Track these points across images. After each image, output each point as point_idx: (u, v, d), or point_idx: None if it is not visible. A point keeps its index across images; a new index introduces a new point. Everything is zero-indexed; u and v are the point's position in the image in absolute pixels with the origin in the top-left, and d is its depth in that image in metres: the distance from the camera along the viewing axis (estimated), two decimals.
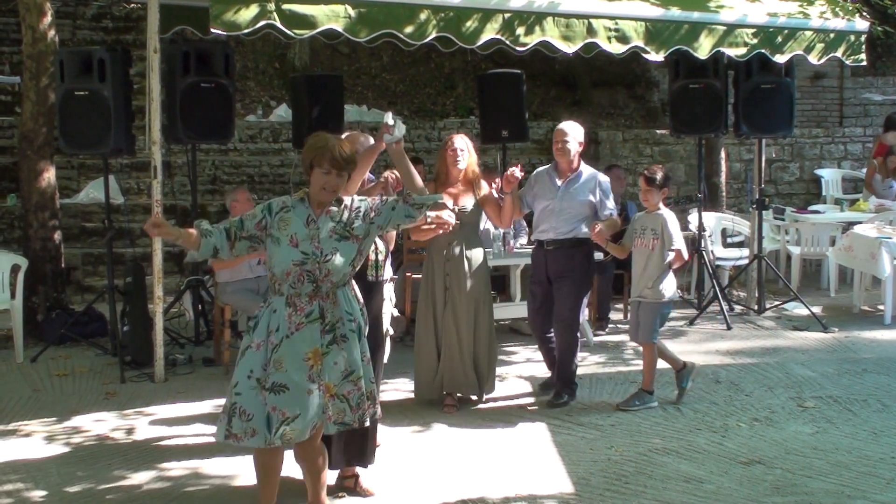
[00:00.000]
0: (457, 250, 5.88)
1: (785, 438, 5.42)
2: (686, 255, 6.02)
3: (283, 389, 3.89)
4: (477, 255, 5.95)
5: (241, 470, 4.87)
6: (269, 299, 4.03)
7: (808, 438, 5.43)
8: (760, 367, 6.95)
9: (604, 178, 6.21)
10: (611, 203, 6.18)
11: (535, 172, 6.35)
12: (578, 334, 6.16)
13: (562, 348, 6.11)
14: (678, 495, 4.62)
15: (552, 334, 6.19)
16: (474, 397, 6.09)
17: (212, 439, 5.35)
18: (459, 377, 5.94)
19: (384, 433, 5.32)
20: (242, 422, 3.90)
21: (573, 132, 6.08)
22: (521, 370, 6.91)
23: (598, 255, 7.22)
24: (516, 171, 5.84)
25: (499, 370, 6.47)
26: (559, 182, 6.10)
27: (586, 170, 6.18)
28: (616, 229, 6.10)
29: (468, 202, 5.92)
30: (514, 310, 7.60)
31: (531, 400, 6.20)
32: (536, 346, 6.50)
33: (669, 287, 5.92)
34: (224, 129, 7.56)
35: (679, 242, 5.90)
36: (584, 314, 7.80)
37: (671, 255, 5.87)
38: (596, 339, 7.77)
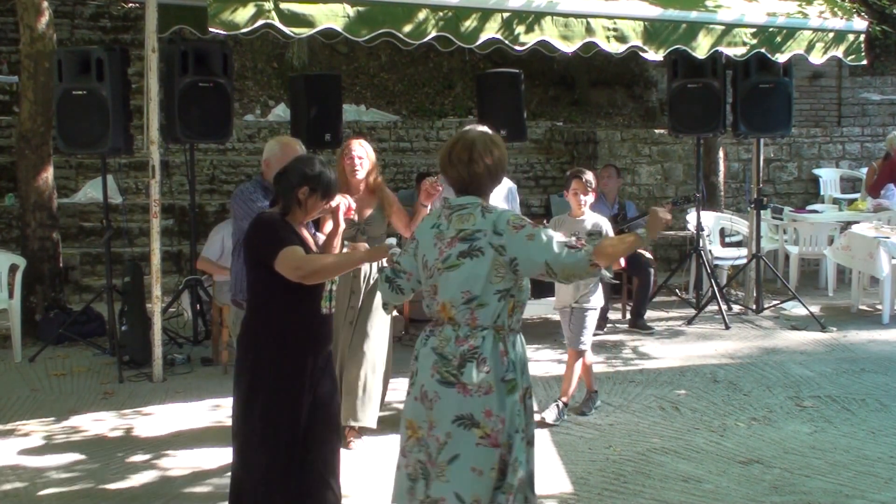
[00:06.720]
0: (364, 266, 5.28)
1: (783, 438, 5.43)
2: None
3: None
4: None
5: None
6: None
7: (807, 438, 5.43)
8: (758, 366, 6.95)
9: (512, 185, 6.24)
10: (517, 209, 6.11)
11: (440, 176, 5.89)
12: None
13: None
14: (676, 495, 4.62)
15: None
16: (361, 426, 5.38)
17: (210, 438, 5.36)
18: (356, 403, 5.26)
19: (383, 433, 5.33)
20: None
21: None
22: None
23: None
24: (439, 185, 5.26)
25: None
26: None
27: None
28: None
29: (373, 214, 5.44)
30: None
31: None
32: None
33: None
34: (222, 129, 7.55)
35: None
36: None
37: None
38: (595, 338, 7.75)
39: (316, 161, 3.92)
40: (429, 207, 5.39)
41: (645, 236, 3.39)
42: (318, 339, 3.85)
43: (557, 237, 3.32)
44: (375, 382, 5.33)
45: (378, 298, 5.31)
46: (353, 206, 4.48)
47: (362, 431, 5.34)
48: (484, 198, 3.43)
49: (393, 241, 3.89)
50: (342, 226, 4.06)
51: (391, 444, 5.26)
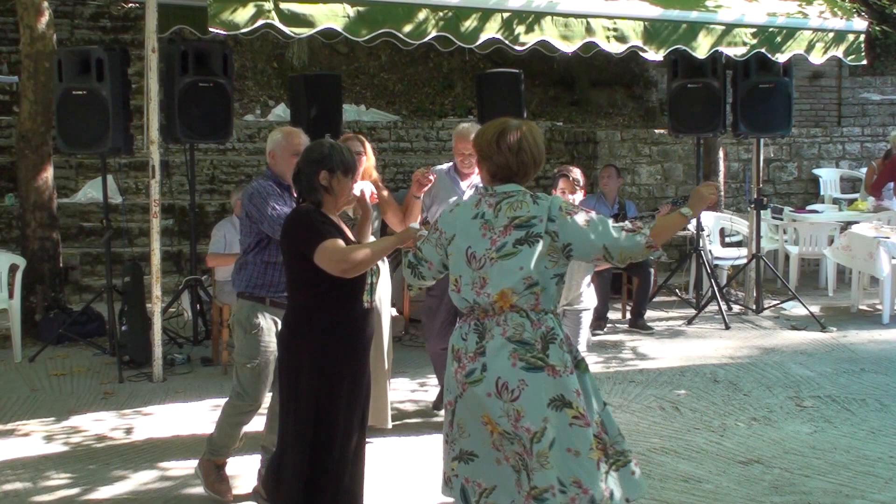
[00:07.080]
0: None
1: (783, 438, 5.43)
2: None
3: None
4: (381, 266, 5.20)
5: (240, 470, 4.86)
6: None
7: (807, 438, 5.43)
8: (759, 366, 6.96)
9: None
10: None
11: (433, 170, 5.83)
12: None
13: None
14: (676, 495, 4.62)
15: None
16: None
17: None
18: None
19: (383, 435, 5.33)
20: None
21: None
22: None
23: None
24: (430, 174, 5.28)
25: None
26: (463, 184, 5.56)
27: None
28: None
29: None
30: None
31: None
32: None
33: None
34: (222, 129, 7.55)
35: None
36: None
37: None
38: (595, 338, 7.77)
39: (324, 144, 3.85)
40: (421, 198, 5.39)
41: (689, 214, 3.47)
42: (360, 334, 3.82)
43: (611, 221, 3.38)
44: (382, 384, 5.34)
45: (377, 300, 5.32)
46: (375, 191, 4.49)
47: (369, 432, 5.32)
48: (526, 185, 3.44)
49: (416, 223, 3.92)
50: (372, 212, 4.08)
51: (394, 444, 5.27)
